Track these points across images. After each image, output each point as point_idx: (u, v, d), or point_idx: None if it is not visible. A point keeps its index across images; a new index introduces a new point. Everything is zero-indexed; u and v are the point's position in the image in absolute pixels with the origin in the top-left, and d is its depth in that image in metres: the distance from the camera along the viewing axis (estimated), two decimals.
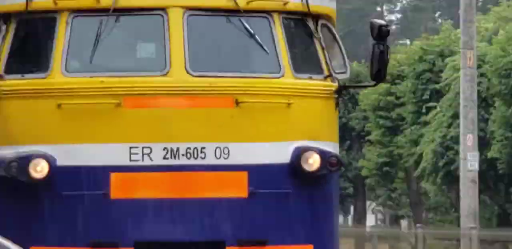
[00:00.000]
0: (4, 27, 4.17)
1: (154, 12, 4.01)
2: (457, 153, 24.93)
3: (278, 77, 4.11)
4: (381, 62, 4.42)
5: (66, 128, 3.94)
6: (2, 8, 4.16)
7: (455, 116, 25.85)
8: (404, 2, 71.45)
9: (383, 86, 30.63)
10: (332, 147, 4.34)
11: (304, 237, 4.10)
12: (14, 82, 4.05)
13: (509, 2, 31.53)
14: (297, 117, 4.14)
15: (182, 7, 3.97)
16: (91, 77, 3.96)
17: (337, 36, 4.67)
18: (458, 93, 24.30)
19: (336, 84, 4.44)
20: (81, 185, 3.89)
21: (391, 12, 72.20)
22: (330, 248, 4.38)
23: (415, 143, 30.51)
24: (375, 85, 4.95)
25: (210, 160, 3.87)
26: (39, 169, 3.80)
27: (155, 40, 4.11)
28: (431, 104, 29.83)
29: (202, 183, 3.88)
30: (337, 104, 4.53)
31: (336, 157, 4.21)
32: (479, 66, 24.25)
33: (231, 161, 3.90)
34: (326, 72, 4.36)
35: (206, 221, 3.89)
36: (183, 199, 3.85)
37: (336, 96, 4.47)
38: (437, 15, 70.77)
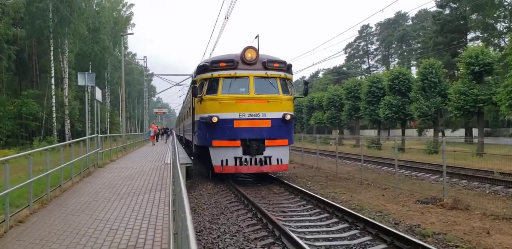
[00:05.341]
0: (201, 82, 15.04)
1: (245, 77, 14.92)
2: None
3: (278, 95, 15.07)
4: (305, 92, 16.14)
5: (223, 107, 14.70)
6: (202, 76, 15.02)
7: None
8: None
9: None
10: (291, 113, 15.37)
11: (286, 137, 15.09)
12: (209, 96, 14.84)
13: None
14: (283, 105, 15.12)
15: (252, 76, 14.89)
16: (229, 95, 14.74)
17: (292, 84, 16.06)
18: None
19: (293, 96, 15.73)
20: (226, 123, 14.67)
21: None
22: (291, 142, 15.52)
23: None
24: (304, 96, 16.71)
25: (263, 115, 14.72)
26: (215, 119, 14.58)
27: (246, 85, 14.99)
28: None
29: (259, 122, 14.79)
30: (293, 102, 15.82)
31: (290, 115, 15.20)
32: None
33: (267, 116, 14.80)
34: (291, 92, 15.57)
35: (261, 131, 14.74)
36: (255, 127, 14.71)
37: (293, 99, 15.75)
38: None
